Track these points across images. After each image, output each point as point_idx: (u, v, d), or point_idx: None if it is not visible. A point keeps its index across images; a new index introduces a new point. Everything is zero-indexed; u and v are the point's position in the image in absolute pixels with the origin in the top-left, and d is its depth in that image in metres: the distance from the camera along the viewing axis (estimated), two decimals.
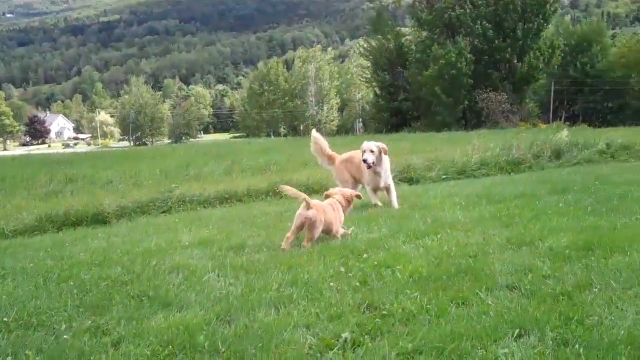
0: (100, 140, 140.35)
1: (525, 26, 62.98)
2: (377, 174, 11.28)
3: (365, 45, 79.10)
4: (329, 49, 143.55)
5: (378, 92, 75.59)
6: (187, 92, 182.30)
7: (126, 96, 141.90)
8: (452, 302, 5.36)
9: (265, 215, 11.64)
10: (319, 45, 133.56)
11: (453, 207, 10.48)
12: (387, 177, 11.43)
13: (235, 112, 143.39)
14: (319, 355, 4.52)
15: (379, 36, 73.78)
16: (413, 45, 71.13)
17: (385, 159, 11.39)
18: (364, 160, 10.97)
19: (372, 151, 11.06)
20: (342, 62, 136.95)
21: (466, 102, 63.45)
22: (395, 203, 11.37)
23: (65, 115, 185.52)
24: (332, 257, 7.30)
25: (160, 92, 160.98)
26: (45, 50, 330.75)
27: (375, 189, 11.61)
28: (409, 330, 4.81)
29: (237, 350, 4.63)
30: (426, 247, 7.53)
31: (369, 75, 78.62)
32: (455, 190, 12.93)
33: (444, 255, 6.97)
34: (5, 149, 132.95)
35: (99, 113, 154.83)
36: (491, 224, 8.69)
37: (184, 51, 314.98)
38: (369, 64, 78.43)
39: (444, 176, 17.33)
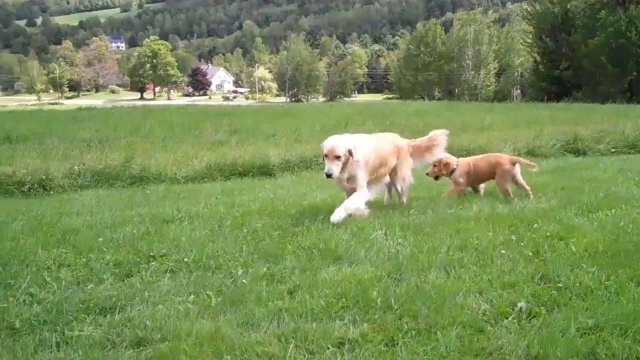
0: (257, 95, 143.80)
1: None
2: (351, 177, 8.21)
3: (528, 9, 76.25)
4: (490, 11, 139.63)
5: (538, 59, 72.83)
6: (343, 51, 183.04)
7: (284, 52, 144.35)
8: (631, 280, 5.15)
9: (427, 177, 11.56)
10: (480, 8, 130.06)
11: (626, 182, 10.00)
12: (360, 178, 8.20)
13: (390, 73, 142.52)
14: (493, 322, 4.49)
15: (544, 0, 70.87)
16: (580, 11, 67.78)
17: (357, 157, 7.98)
18: (327, 175, 7.87)
19: (337, 157, 7.85)
20: (502, 26, 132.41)
21: (634, 74, 59.80)
22: (343, 206, 7.96)
23: (226, 68, 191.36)
24: (501, 224, 7.18)
25: (318, 50, 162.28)
26: (209, 4, 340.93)
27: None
28: (588, 305, 4.67)
29: (410, 309, 4.67)
30: (600, 221, 7.25)
31: (530, 41, 75.86)
32: (627, 165, 12.32)
33: (620, 232, 6.69)
34: (169, 99, 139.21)
35: (258, 68, 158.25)
36: None
37: (342, 9, 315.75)
38: (531, 29, 75.60)
39: (613, 149, 16.56)
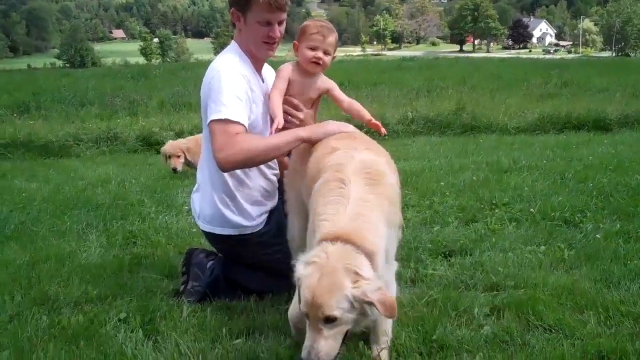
0: (581, 49, 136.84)
1: None
2: None
3: None
4: None
5: None
6: None
7: (613, 4, 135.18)
8: None
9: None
10: None
11: None
12: None
13: None
14: None
15: None
16: None
17: None
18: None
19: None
20: None
21: None
22: None
23: (549, 21, 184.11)
24: None
25: None
26: None
27: None
28: None
29: None
30: None
31: None
32: None
33: None
34: (488, 51, 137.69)
35: (583, 20, 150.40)
36: None
37: None
38: None
39: None
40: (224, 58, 4.00)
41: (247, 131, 3.77)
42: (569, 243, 5.17)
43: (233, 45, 4.10)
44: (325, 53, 3.98)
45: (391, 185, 3.31)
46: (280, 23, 3.94)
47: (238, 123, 3.69)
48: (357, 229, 2.90)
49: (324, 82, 4.13)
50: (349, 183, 3.13)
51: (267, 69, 4.33)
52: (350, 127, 3.89)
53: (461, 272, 4.58)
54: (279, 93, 3.97)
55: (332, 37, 4.00)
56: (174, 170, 9.14)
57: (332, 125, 3.87)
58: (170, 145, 9.42)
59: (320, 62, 3.97)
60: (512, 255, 4.88)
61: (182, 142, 9.45)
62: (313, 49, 3.94)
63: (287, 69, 4.04)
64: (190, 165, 9.22)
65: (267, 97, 4.04)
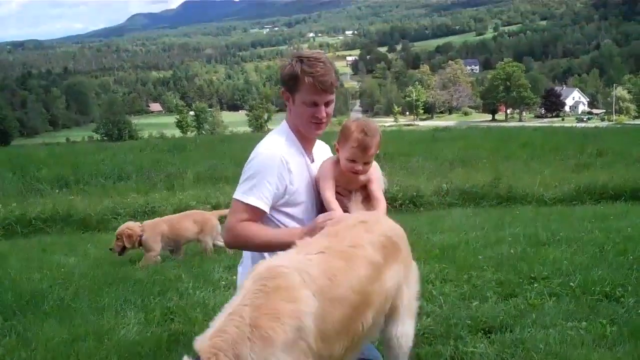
0: (614, 117, 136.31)
1: None
2: None
3: None
4: None
5: None
6: None
7: None
8: None
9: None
10: None
11: None
12: None
13: None
14: None
15: None
16: None
17: None
18: None
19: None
20: None
21: None
22: None
23: (581, 89, 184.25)
24: None
25: None
26: (567, 24, 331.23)
27: None
28: None
29: None
30: None
31: None
32: None
33: None
34: (520, 120, 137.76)
35: (616, 88, 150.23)
36: None
37: None
38: None
39: None
40: (269, 139, 4.05)
41: (263, 212, 3.86)
42: (611, 319, 5.04)
43: (283, 125, 4.14)
44: (366, 163, 3.93)
45: (293, 306, 2.83)
46: (327, 104, 3.94)
47: (253, 207, 3.81)
48: (210, 348, 2.69)
49: (368, 173, 4.04)
50: (242, 290, 2.92)
51: (320, 145, 4.35)
52: (367, 216, 3.78)
53: (502, 350, 4.48)
54: (331, 194, 3.94)
55: (374, 148, 3.91)
56: (111, 249, 9.02)
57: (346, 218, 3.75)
58: (122, 226, 9.20)
59: (359, 172, 3.94)
60: (553, 332, 4.77)
61: (130, 226, 9.06)
62: (352, 161, 3.89)
63: (330, 168, 4.00)
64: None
65: (316, 181, 4.07)
